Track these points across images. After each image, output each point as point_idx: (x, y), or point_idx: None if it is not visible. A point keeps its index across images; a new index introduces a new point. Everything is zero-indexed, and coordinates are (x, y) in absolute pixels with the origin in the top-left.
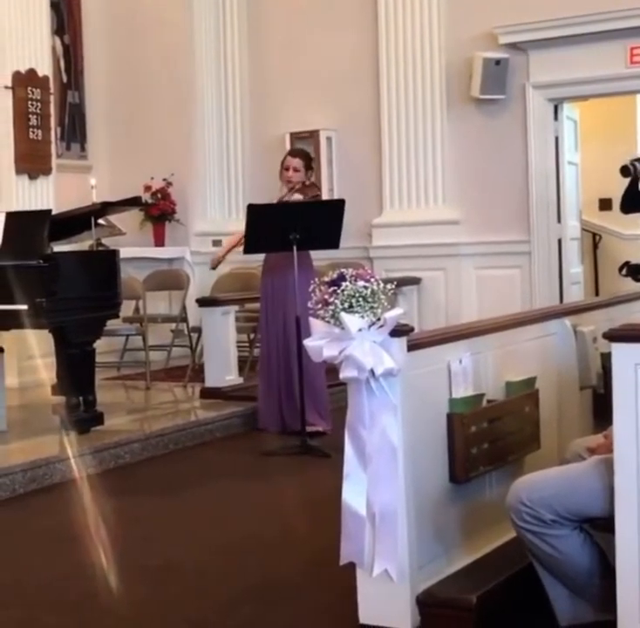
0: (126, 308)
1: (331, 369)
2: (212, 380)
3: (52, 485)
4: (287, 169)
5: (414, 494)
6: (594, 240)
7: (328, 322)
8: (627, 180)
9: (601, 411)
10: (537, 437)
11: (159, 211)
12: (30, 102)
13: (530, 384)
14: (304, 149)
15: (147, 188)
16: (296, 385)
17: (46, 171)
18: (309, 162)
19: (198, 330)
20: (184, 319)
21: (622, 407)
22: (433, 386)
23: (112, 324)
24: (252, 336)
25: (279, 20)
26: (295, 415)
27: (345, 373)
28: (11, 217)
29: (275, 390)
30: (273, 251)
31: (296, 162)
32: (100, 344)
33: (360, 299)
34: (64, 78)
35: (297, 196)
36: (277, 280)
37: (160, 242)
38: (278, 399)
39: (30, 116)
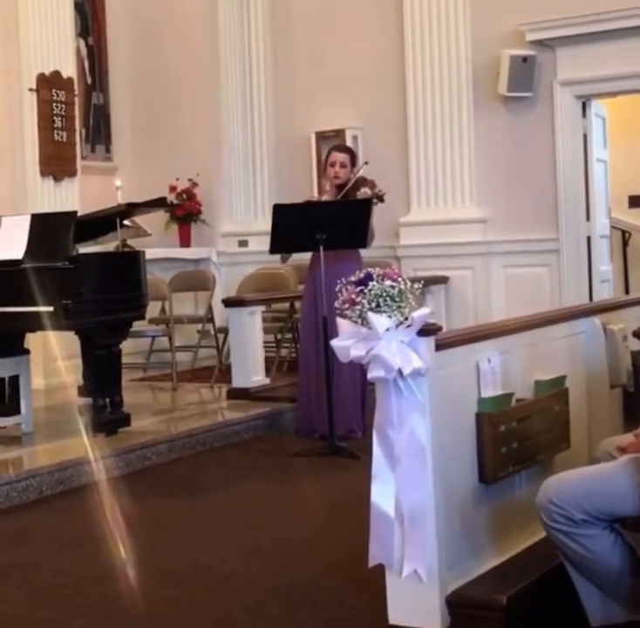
0: (152, 309)
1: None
2: (239, 381)
3: (79, 487)
4: (333, 165)
5: (443, 494)
6: (623, 237)
7: (355, 322)
8: None
9: (631, 409)
10: (567, 436)
11: (184, 212)
12: (54, 104)
13: (559, 383)
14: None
15: (172, 189)
16: (343, 388)
17: (71, 173)
18: (354, 158)
19: (224, 330)
20: (210, 320)
21: None
22: (462, 386)
23: (138, 326)
24: (279, 336)
25: (304, 19)
26: (339, 421)
27: (373, 373)
28: (37, 219)
29: (322, 394)
30: (299, 251)
31: (343, 157)
32: (126, 346)
33: (387, 299)
34: (89, 80)
35: (365, 190)
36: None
37: (185, 242)
38: (326, 403)
39: (55, 118)
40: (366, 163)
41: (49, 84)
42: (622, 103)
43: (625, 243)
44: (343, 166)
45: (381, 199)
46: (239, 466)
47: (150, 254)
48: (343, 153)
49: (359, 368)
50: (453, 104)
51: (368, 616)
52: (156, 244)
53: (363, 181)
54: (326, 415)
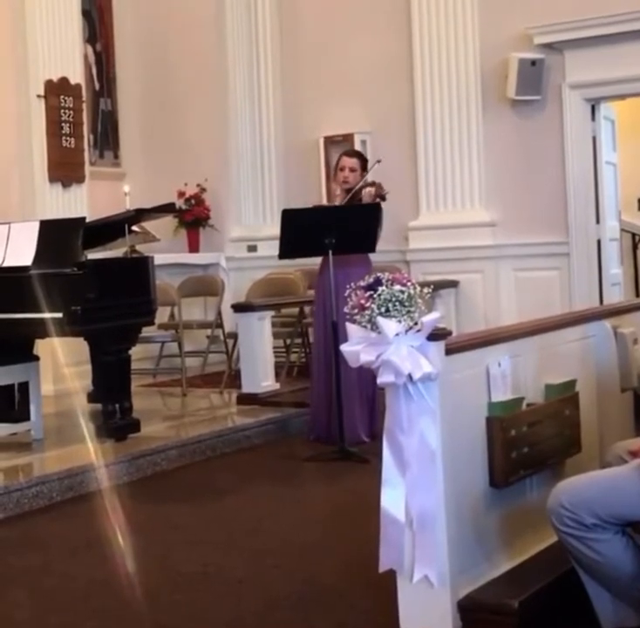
0: (161, 314)
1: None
2: (248, 386)
3: (89, 493)
4: (342, 169)
5: (454, 499)
6: (633, 240)
7: (365, 327)
8: None
9: None
10: (578, 440)
11: (193, 217)
12: (62, 110)
13: (570, 386)
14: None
15: (181, 194)
16: (355, 392)
17: (79, 179)
18: (365, 163)
19: (234, 335)
20: (219, 325)
21: None
22: (472, 390)
23: (147, 331)
24: (289, 341)
25: (312, 23)
26: (353, 426)
27: (383, 378)
28: (45, 225)
29: (334, 398)
30: (308, 256)
31: (353, 162)
32: (136, 351)
33: (397, 303)
34: (97, 86)
35: (370, 190)
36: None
37: (194, 248)
38: (338, 408)
39: (63, 124)
40: (379, 161)
41: (57, 90)
42: (632, 105)
43: (635, 246)
44: (352, 170)
45: (383, 198)
46: (249, 471)
47: (159, 259)
48: (353, 158)
49: (368, 373)
50: (462, 107)
51: (379, 620)
52: (165, 250)
53: (370, 184)
54: (337, 420)
